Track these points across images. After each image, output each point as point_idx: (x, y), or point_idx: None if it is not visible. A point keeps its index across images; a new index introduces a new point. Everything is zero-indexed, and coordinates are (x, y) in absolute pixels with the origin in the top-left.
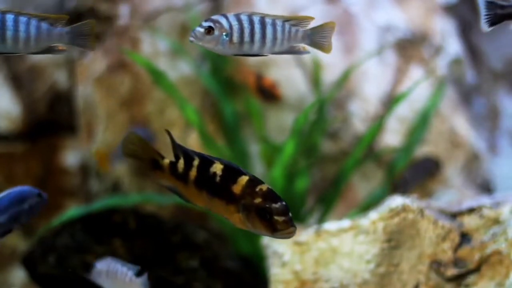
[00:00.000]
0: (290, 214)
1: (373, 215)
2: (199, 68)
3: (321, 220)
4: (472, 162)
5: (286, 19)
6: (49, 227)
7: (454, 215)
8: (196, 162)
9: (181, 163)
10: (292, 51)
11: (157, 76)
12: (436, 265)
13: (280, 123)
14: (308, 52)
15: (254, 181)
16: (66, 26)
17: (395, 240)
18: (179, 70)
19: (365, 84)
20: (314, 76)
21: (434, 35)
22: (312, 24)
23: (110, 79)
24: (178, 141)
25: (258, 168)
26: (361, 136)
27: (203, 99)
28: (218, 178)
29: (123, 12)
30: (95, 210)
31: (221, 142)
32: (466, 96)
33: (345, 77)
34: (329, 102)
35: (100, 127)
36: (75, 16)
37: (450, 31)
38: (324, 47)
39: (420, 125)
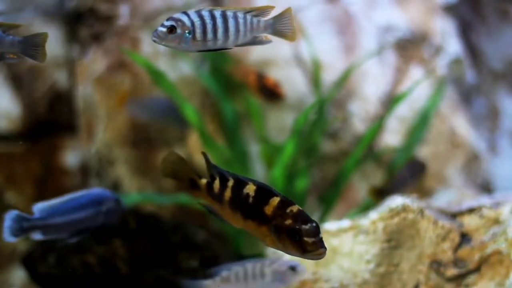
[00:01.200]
0: (321, 235)
1: (373, 215)
2: (199, 68)
3: (321, 220)
4: (472, 162)
5: (247, 11)
6: None
7: (454, 215)
8: (230, 183)
9: (216, 184)
10: (255, 42)
11: (157, 76)
12: (436, 265)
13: (280, 123)
14: (270, 41)
15: (285, 202)
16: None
17: (395, 240)
18: (179, 70)
19: (365, 84)
20: (314, 76)
21: (434, 35)
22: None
23: (110, 79)
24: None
25: (258, 168)
26: (361, 136)
27: (203, 99)
28: (251, 199)
29: (123, 12)
30: None
31: (221, 142)
32: (466, 96)
33: (345, 77)
34: (329, 102)
35: (100, 127)
36: (75, 16)
37: (450, 31)
38: (287, 35)
39: (420, 125)
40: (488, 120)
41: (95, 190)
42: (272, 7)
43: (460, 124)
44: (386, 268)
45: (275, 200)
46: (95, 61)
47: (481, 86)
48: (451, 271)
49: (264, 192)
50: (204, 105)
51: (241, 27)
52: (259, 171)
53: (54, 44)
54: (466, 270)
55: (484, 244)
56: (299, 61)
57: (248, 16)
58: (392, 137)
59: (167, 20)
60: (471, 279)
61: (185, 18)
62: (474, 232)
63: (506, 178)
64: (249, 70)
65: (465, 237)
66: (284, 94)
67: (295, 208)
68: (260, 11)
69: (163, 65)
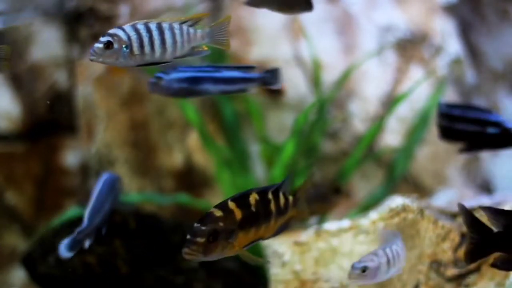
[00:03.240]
0: (198, 239)
1: (373, 215)
2: None
3: (321, 220)
4: (472, 162)
5: (182, 21)
6: (49, 227)
7: (454, 215)
8: None
9: None
10: (193, 53)
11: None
12: (436, 265)
13: (280, 123)
14: (208, 52)
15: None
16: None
17: None
18: None
19: (365, 84)
20: (314, 76)
21: (434, 35)
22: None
23: (110, 79)
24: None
25: (258, 168)
26: (361, 136)
27: (203, 99)
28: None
29: (123, 12)
30: None
31: (221, 142)
32: (466, 96)
33: (345, 77)
34: (329, 102)
35: (100, 127)
36: (75, 16)
37: (450, 31)
38: (223, 44)
39: (420, 125)
40: None
41: (105, 176)
42: (206, 15)
43: None
44: None
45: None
46: None
47: (481, 86)
48: (451, 271)
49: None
50: (204, 105)
51: (178, 38)
52: (259, 171)
53: (54, 44)
54: (466, 270)
55: None
56: (299, 61)
57: (184, 27)
58: (392, 137)
59: (103, 36)
60: (471, 279)
61: (121, 33)
62: None
63: (506, 178)
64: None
65: (465, 237)
66: (285, 90)
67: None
68: (195, 20)
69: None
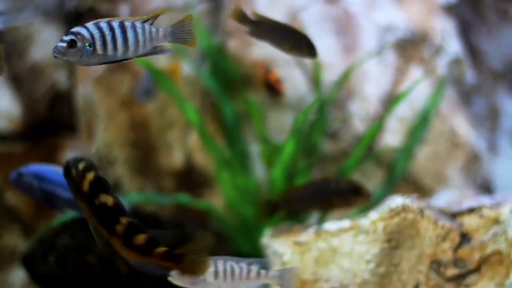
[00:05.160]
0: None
1: (373, 215)
2: (199, 68)
3: (321, 220)
4: (472, 162)
5: (144, 20)
6: (49, 227)
7: (454, 215)
8: None
9: None
10: (155, 51)
11: (158, 76)
12: (436, 265)
13: (280, 123)
14: (170, 50)
15: None
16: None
17: (395, 240)
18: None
19: (365, 84)
20: (314, 76)
21: (434, 35)
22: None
23: (110, 79)
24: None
25: (258, 168)
26: (361, 136)
27: (203, 99)
28: None
29: (123, 12)
30: None
31: (221, 142)
32: (466, 96)
33: (345, 77)
34: (329, 102)
35: (100, 127)
36: (75, 16)
37: (450, 31)
38: (188, 42)
39: (420, 125)
40: (488, 120)
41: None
42: (162, 11)
43: (460, 124)
44: (386, 268)
45: None
46: None
47: (481, 86)
48: (451, 271)
49: None
50: (204, 105)
51: (140, 37)
52: (259, 171)
53: (54, 44)
54: (466, 270)
55: (484, 244)
56: (299, 61)
57: (147, 26)
58: (392, 137)
59: (66, 34)
60: (471, 279)
61: (84, 31)
62: (474, 232)
63: (506, 178)
64: (259, 63)
65: (465, 237)
66: (284, 91)
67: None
68: (153, 18)
69: (163, 65)
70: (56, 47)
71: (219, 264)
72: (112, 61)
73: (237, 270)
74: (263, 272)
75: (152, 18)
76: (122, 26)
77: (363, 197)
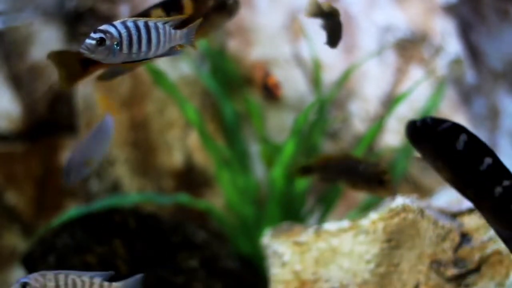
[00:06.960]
0: None
1: (373, 215)
2: (199, 68)
3: (321, 220)
4: None
5: (165, 21)
6: (49, 227)
7: (454, 215)
8: None
9: None
10: (169, 52)
11: (157, 76)
12: (436, 265)
13: (280, 123)
14: (182, 52)
15: None
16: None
17: (395, 240)
18: (179, 70)
19: (365, 84)
20: (314, 76)
21: (434, 35)
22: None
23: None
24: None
25: (258, 168)
26: (361, 136)
27: (203, 99)
28: None
29: (123, 12)
30: (95, 210)
31: (221, 142)
32: (466, 96)
33: (345, 77)
34: (329, 102)
35: None
36: (75, 16)
37: (450, 31)
38: (192, 44)
39: None
40: (488, 120)
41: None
42: (184, 17)
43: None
44: (386, 268)
45: None
46: None
47: (481, 86)
48: (451, 271)
49: None
50: (204, 105)
51: (162, 38)
52: (259, 171)
53: (54, 44)
54: (466, 270)
55: (484, 244)
56: (299, 61)
57: (167, 27)
58: (392, 137)
59: (95, 32)
60: (471, 279)
61: (112, 30)
62: (474, 232)
63: None
64: (259, 66)
65: (465, 237)
66: (281, 96)
67: None
68: (174, 21)
69: (163, 65)
70: (84, 43)
71: (60, 279)
72: (133, 60)
73: (79, 284)
74: (106, 284)
75: (173, 21)
76: (147, 26)
77: (386, 189)
